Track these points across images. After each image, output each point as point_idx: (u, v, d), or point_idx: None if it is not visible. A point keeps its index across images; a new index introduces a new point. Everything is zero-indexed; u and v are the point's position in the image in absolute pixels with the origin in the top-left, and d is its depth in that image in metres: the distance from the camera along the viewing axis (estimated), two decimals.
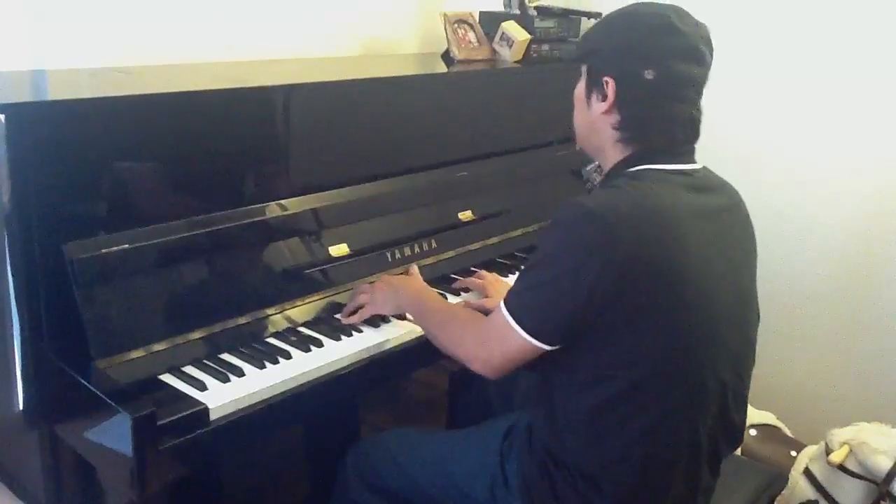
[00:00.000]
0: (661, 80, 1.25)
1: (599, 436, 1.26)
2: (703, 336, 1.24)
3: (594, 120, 1.33)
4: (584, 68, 1.35)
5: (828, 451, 1.97)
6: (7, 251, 1.36)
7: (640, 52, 1.26)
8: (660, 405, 1.24)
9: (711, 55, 1.29)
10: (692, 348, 1.24)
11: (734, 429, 1.38)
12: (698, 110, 1.30)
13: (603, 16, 2.47)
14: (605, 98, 1.29)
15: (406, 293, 1.57)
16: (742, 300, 1.34)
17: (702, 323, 1.24)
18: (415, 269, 1.76)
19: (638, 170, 1.29)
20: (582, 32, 2.59)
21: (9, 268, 1.36)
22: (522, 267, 1.32)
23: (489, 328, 1.32)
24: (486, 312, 1.71)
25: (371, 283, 1.66)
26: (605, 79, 1.28)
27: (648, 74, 1.24)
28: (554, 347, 1.24)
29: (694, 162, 1.33)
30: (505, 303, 1.27)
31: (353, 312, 1.61)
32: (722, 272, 1.27)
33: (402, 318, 1.66)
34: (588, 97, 1.33)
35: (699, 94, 1.29)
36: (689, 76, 1.26)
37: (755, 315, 1.39)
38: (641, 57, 1.25)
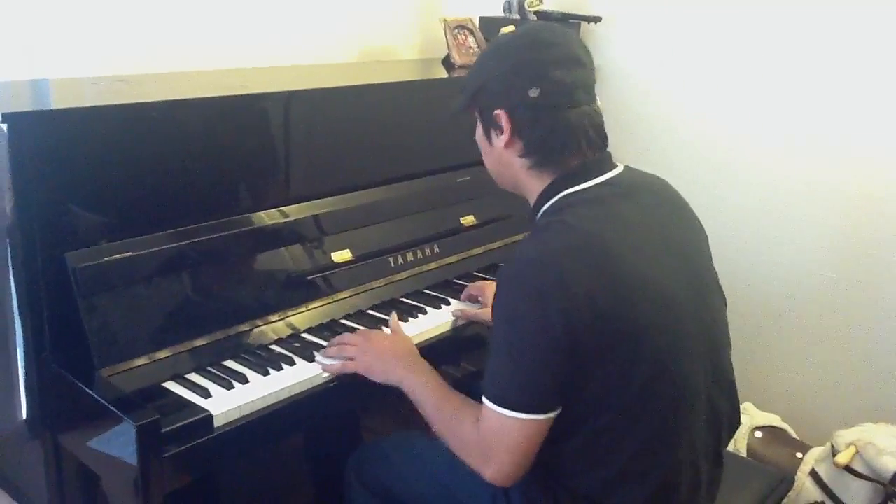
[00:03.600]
0: (548, 93, 1.24)
1: (595, 460, 1.25)
2: (676, 342, 1.24)
3: (500, 156, 1.32)
4: (476, 112, 1.35)
5: (834, 453, 1.97)
6: (10, 260, 1.36)
7: (518, 75, 1.26)
8: (650, 421, 1.23)
9: (589, 56, 1.29)
10: (669, 358, 1.23)
11: (727, 416, 1.37)
12: (596, 112, 1.28)
13: (602, 20, 2.51)
14: (502, 131, 1.29)
15: (398, 369, 1.42)
16: (703, 290, 1.33)
17: (672, 331, 1.23)
18: (395, 319, 1.61)
19: (560, 199, 1.27)
20: (581, 36, 2.60)
21: (12, 277, 1.36)
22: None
23: (485, 438, 1.21)
24: (482, 322, 1.70)
25: (363, 332, 1.56)
26: (496, 112, 1.28)
27: (533, 93, 1.24)
28: (557, 412, 1.19)
29: (613, 167, 1.31)
30: (489, 398, 1.20)
31: (341, 351, 1.51)
32: (678, 270, 1.26)
33: (405, 321, 1.66)
34: (487, 136, 1.33)
35: (590, 94, 1.28)
36: (572, 81, 1.25)
37: (720, 298, 1.37)
38: (521, 79, 1.25)
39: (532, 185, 1.32)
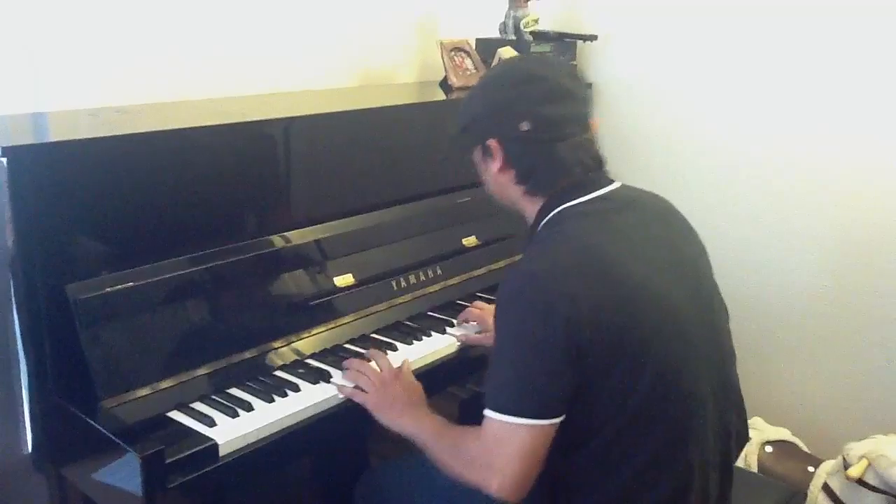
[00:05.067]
0: (538, 128, 1.27)
1: (604, 472, 1.24)
2: (681, 352, 1.24)
3: (496, 179, 1.35)
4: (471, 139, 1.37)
5: (846, 466, 1.95)
6: (12, 293, 1.36)
7: (509, 109, 1.29)
8: (657, 432, 1.22)
9: (581, 86, 1.34)
10: (675, 368, 1.22)
11: (736, 427, 1.37)
12: (590, 140, 1.32)
13: (598, 37, 2.52)
14: (494, 159, 1.32)
15: (405, 418, 1.40)
16: (705, 301, 1.33)
17: (676, 341, 1.23)
18: (408, 366, 1.56)
19: (557, 213, 1.29)
20: (578, 56, 2.61)
21: (14, 310, 1.36)
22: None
23: (490, 447, 1.20)
24: (484, 347, 1.68)
25: (376, 361, 1.53)
26: (489, 142, 1.31)
27: (524, 126, 1.27)
28: (562, 418, 1.19)
29: (609, 183, 1.33)
30: (491, 408, 1.19)
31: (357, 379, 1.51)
32: (679, 281, 1.27)
33: (410, 344, 1.65)
34: (484, 161, 1.36)
35: (583, 126, 1.31)
36: (562, 115, 1.29)
37: (722, 309, 1.38)
38: (512, 112, 1.29)
39: (528, 206, 1.35)
